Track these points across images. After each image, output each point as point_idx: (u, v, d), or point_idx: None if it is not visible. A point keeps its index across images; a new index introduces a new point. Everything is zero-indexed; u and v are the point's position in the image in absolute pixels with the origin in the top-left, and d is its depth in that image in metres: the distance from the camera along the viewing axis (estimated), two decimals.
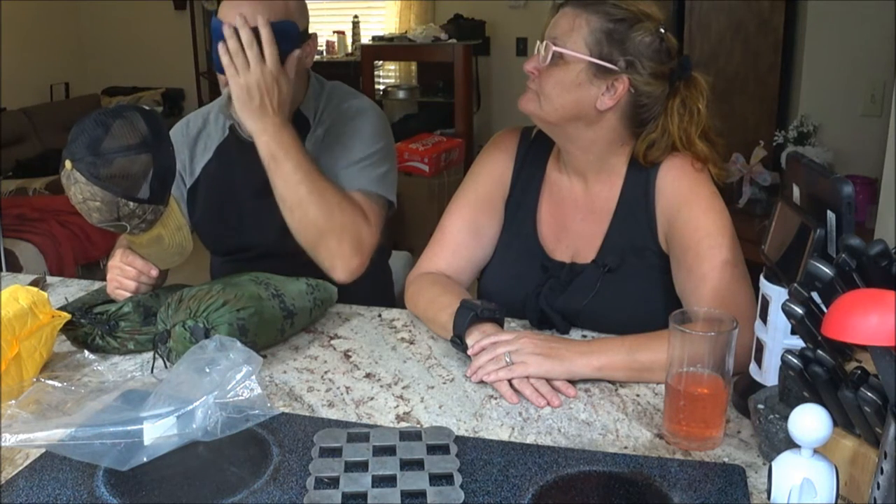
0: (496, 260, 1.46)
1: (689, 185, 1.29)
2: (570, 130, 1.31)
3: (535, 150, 1.45)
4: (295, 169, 1.40)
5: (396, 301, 1.80)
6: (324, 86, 1.65)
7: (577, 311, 1.33)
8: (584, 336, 1.33)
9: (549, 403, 1.11)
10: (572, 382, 1.16)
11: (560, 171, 1.42)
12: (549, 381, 1.14)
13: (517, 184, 1.44)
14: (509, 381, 1.15)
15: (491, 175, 1.46)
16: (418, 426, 1.07)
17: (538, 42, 1.30)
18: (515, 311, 1.36)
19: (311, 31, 1.57)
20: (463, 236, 1.44)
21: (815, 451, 0.77)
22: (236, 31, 1.38)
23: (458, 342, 1.23)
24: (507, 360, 1.15)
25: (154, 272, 1.36)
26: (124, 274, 1.35)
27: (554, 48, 1.26)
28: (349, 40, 5.75)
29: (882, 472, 0.71)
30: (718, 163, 1.32)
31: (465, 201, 1.46)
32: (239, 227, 1.63)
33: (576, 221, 1.39)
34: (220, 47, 1.39)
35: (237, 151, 1.61)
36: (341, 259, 1.44)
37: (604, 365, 1.15)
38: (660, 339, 1.11)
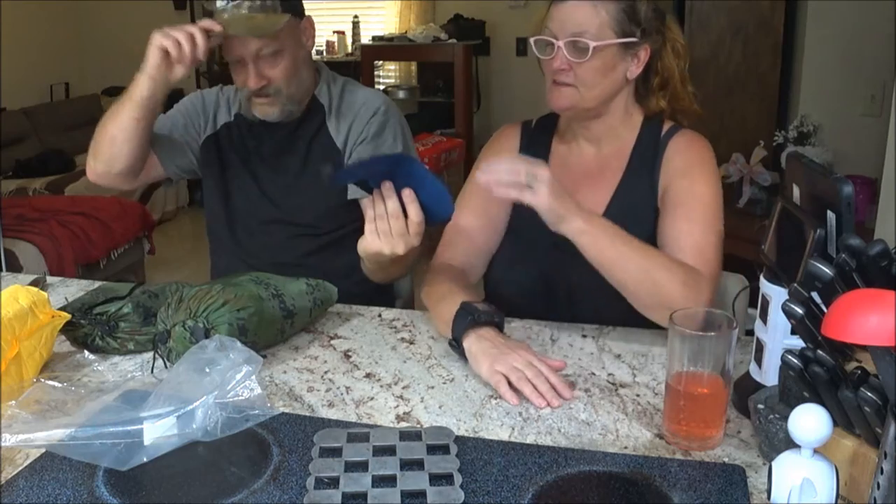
0: (505, 241, 1.48)
1: (696, 157, 1.37)
2: (603, 108, 1.39)
3: (538, 135, 1.51)
4: None
5: (396, 301, 1.80)
6: (336, 78, 1.74)
7: (581, 277, 1.35)
8: (584, 334, 1.34)
9: (548, 404, 1.11)
10: (572, 385, 1.16)
11: (567, 143, 1.48)
12: (548, 379, 1.15)
13: None
14: (508, 380, 1.14)
15: None
16: (418, 426, 1.07)
17: (553, 39, 1.32)
18: (524, 290, 1.38)
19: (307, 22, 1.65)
20: (476, 223, 1.47)
21: (815, 451, 0.77)
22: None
23: (455, 345, 1.23)
24: (527, 180, 1.15)
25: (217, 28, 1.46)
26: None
27: (593, 43, 1.29)
28: (349, 40, 5.75)
29: (882, 472, 0.71)
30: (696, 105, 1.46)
31: (473, 191, 1.49)
32: (250, 182, 1.70)
33: (585, 185, 1.43)
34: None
35: (252, 122, 1.70)
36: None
37: (586, 232, 1.20)
38: (650, 256, 1.23)
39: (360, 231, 1.29)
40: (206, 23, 1.48)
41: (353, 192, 1.63)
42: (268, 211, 1.68)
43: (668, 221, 1.33)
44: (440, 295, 1.37)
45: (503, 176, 1.17)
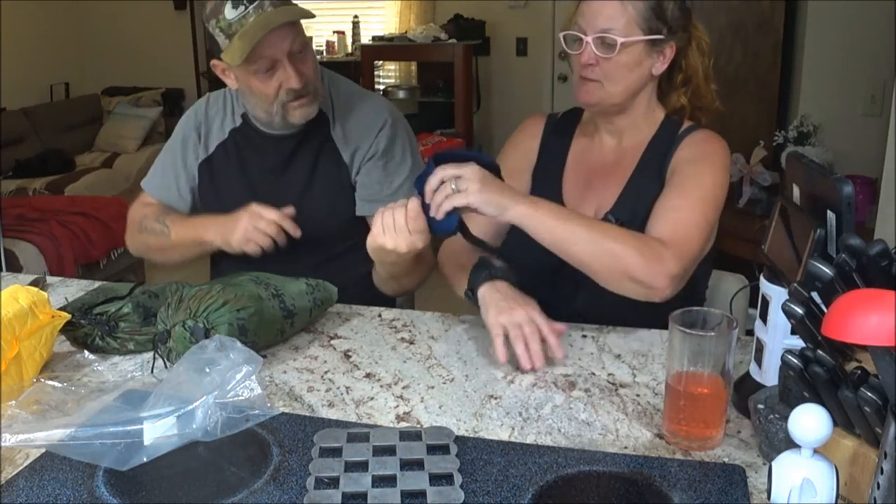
0: (515, 227, 1.49)
1: (707, 150, 1.39)
2: (627, 103, 1.42)
3: (562, 126, 1.55)
4: None
5: (396, 301, 1.80)
6: (337, 83, 1.69)
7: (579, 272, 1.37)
8: (584, 334, 1.34)
9: (533, 367, 1.18)
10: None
11: (589, 136, 1.51)
12: (547, 339, 1.21)
13: (543, 154, 1.53)
14: (505, 336, 1.21)
15: (517, 150, 1.56)
16: (418, 426, 1.07)
17: (582, 34, 1.35)
18: (531, 275, 1.40)
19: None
20: None
21: (815, 451, 0.77)
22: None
23: (470, 295, 1.31)
24: (453, 187, 1.20)
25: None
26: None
27: (621, 39, 1.32)
28: (349, 40, 5.75)
29: (882, 472, 0.71)
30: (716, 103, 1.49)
31: None
32: (250, 202, 1.62)
33: (601, 177, 1.46)
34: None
35: (252, 136, 1.66)
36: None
37: (532, 216, 1.22)
38: (600, 229, 1.25)
39: (362, 245, 1.33)
40: (273, 215, 1.49)
41: (361, 208, 1.62)
42: None
43: (661, 197, 1.36)
44: (459, 263, 1.43)
45: (438, 197, 1.20)
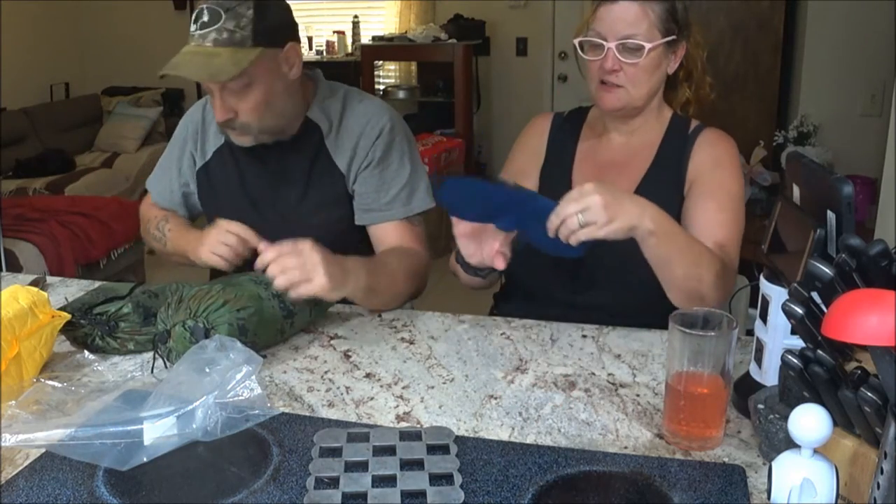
0: None
1: (725, 152, 1.45)
2: (646, 104, 1.45)
3: (569, 125, 1.57)
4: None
5: None
6: (335, 92, 1.62)
7: (600, 262, 1.39)
8: (584, 334, 1.34)
9: None
10: None
11: (597, 135, 1.53)
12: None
13: (550, 153, 1.55)
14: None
15: (525, 149, 1.58)
16: (418, 426, 1.07)
17: (602, 40, 1.37)
18: (550, 263, 1.39)
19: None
20: None
21: (815, 451, 0.77)
22: None
23: (463, 262, 1.35)
24: (580, 220, 1.14)
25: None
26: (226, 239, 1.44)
27: (648, 45, 1.35)
28: (349, 40, 5.74)
29: (882, 472, 0.71)
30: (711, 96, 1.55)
31: (503, 172, 1.56)
32: (248, 210, 1.61)
33: (612, 175, 1.47)
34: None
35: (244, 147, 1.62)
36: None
37: (654, 233, 1.19)
38: (697, 252, 1.27)
39: (360, 253, 1.33)
40: (237, 228, 1.44)
41: (360, 217, 1.59)
42: (269, 238, 1.61)
43: (700, 208, 1.39)
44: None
45: (564, 232, 1.15)
